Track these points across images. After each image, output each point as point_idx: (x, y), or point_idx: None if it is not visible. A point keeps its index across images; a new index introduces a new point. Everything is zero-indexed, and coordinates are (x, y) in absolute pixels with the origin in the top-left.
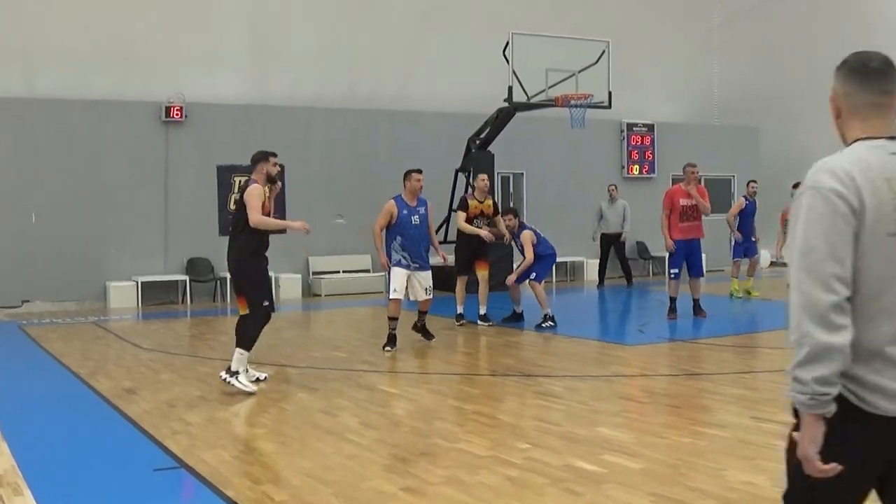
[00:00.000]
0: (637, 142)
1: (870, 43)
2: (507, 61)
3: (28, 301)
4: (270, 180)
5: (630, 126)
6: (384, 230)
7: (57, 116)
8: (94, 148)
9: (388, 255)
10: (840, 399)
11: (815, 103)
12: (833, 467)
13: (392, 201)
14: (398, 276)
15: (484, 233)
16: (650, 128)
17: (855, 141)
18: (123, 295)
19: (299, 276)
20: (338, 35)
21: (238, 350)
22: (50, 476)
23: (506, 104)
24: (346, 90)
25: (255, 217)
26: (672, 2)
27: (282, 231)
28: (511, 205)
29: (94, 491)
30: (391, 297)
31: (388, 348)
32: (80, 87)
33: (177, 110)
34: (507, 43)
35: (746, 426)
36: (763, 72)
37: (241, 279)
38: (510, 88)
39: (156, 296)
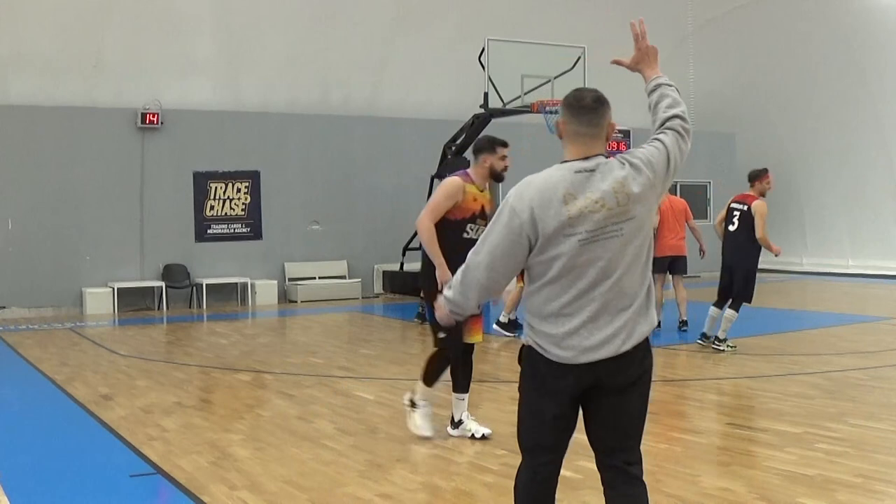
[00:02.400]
0: (613, 148)
1: (844, 48)
2: (483, 67)
3: (4, 307)
4: (496, 177)
5: None
6: None
7: (32, 123)
8: (71, 154)
9: None
10: (532, 350)
11: (791, 108)
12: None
13: None
14: None
15: None
16: (626, 134)
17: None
18: (99, 301)
19: (275, 282)
20: (310, 41)
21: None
22: (26, 482)
23: (481, 110)
24: (319, 96)
25: (423, 217)
26: (647, 8)
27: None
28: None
29: (70, 497)
30: None
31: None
32: (55, 93)
33: (152, 116)
34: (483, 49)
35: (723, 432)
36: (739, 77)
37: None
38: (486, 94)
39: (132, 302)
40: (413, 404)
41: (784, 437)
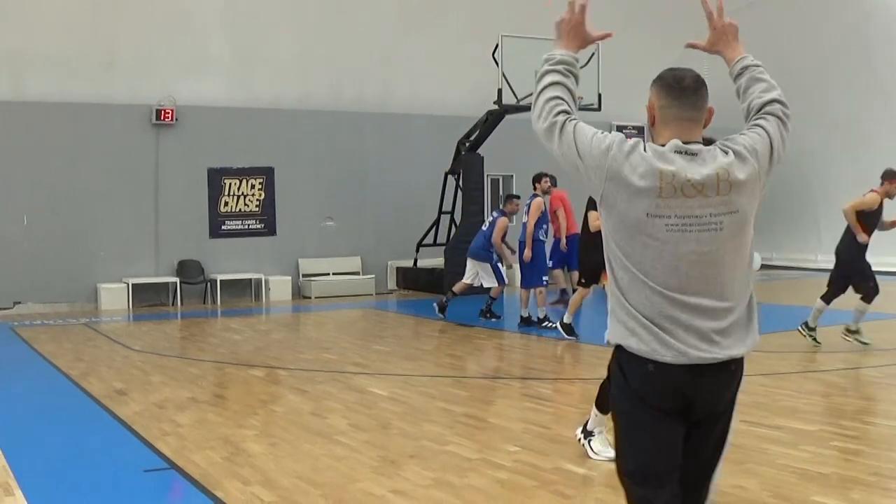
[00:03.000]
0: None
1: (856, 43)
2: (497, 63)
3: (20, 303)
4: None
5: (619, 128)
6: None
7: (47, 120)
8: (85, 151)
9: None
10: (622, 351)
11: (804, 104)
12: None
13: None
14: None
15: None
16: (640, 130)
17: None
18: (114, 297)
19: (289, 278)
20: (321, 37)
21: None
22: (41, 476)
23: (495, 106)
24: (331, 93)
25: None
26: (660, 3)
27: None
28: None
29: (84, 491)
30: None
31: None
32: (69, 90)
33: (167, 113)
34: (497, 45)
35: (737, 429)
36: None
37: None
38: (499, 91)
39: (146, 297)
40: (587, 434)
41: (799, 435)
